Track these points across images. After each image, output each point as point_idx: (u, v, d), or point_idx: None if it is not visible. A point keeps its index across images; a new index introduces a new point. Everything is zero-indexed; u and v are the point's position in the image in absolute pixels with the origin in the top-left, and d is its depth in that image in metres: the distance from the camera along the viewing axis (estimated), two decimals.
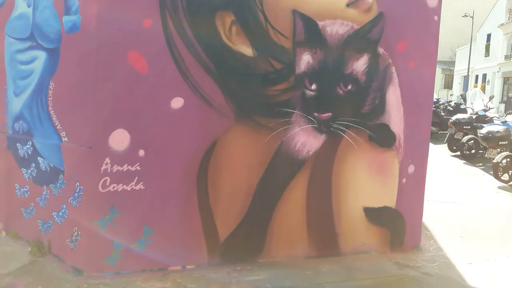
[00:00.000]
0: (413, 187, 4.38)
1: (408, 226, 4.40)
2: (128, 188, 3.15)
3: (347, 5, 3.80)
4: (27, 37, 3.27)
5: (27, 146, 3.36)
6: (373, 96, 4.07)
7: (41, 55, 3.20)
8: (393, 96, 4.17)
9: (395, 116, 4.20)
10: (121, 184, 3.12)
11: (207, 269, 3.49)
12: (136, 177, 3.16)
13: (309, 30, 3.67)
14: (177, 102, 3.23)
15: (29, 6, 3.21)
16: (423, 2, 4.18)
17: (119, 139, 3.08)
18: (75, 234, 3.19)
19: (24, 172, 3.49)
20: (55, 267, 3.28)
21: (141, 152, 3.16)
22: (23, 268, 3.20)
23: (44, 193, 3.31)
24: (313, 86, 3.74)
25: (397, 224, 4.36)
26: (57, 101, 3.27)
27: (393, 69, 4.11)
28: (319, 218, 3.98)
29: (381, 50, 4.02)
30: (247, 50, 3.45)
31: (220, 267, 3.55)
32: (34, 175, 3.37)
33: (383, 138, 4.15)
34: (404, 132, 4.25)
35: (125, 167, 3.12)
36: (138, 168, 3.16)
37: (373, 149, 4.11)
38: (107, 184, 3.08)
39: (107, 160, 3.06)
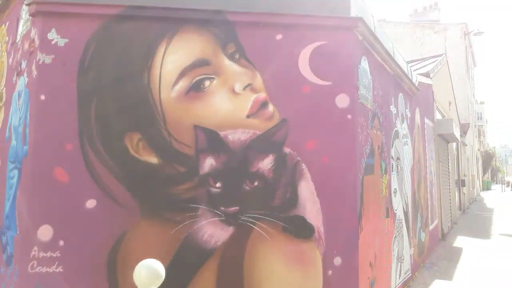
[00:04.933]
0: (342, 279, 4.44)
1: None
2: (50, 270, 4.08)
3: (247, 117, 4.45)
4: None
5: (4, 237, 4.63)
6: (283, 190, 4.46)
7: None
8: (306, 189, 4.50)
9: (311, 209, 4.47)
10: (45, 267, 4.08)
11: None
12: (57, 262, 4.10)
13: (211, 139, 4.37)
14: (91, 203, 4.18)
15: None
16: (330, 105, 4.60)
17: (45, 233, 4.11)
18: None
19: (4, 256, 4.74)
20: None
21: (61, 242, 4.12)
22: None
23: (8, 272, 4.46)
24: (218, 184, 4.35)
25: None
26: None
27: (303, 166, 4.50)
28: None
29: (287, 150, 4.49)
30: (152, 159, 4.30)
31: None
32: (5, 258, 4.56)
33: (298, 229, 4.42)
34: (324, 223, 4.46)
35: (48, 254, 4.09)
36: (59, 254, 4.11)
37: (289, 240, 4.39)
38: (35, 266, 4.07)
39: (35, 248, 4.09)
